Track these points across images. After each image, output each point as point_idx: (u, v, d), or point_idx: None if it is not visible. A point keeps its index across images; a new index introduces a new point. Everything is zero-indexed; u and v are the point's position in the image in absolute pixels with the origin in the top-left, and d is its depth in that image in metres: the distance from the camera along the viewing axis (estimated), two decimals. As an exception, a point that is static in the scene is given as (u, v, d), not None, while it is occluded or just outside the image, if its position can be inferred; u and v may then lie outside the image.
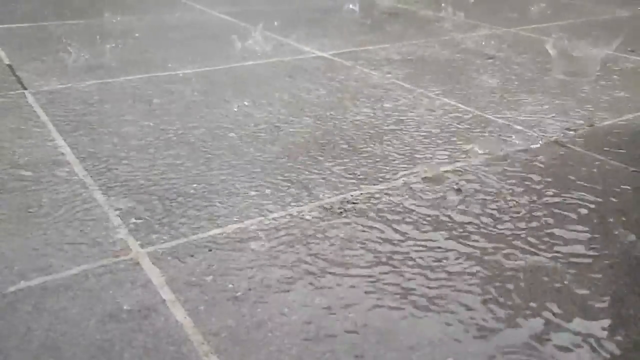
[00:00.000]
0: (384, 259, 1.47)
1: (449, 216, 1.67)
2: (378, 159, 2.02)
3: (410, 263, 1.46)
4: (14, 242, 1.51)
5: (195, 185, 1.83)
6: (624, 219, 1.68)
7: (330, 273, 1.42)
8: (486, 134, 2.27)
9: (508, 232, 1.60)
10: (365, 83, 2.85)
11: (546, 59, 3.30)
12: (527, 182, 1.88)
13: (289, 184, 1.84)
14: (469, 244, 1.54)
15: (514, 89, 2.82)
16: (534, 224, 1.64)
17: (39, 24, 3.94)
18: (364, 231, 1.59)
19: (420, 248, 1.53)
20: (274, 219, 1.65)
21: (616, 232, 1.61)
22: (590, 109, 2.56)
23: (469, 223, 1.64)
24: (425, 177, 1.90)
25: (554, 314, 1.29)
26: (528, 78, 2.98)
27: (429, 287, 1.37)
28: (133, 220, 1.63)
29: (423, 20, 4.38)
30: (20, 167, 1.91)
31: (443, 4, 4.61)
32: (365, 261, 1.46)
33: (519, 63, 3.26)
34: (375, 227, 1.61)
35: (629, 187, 1.86)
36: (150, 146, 2.10)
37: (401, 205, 1.73)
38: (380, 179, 1.88)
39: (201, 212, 1.68)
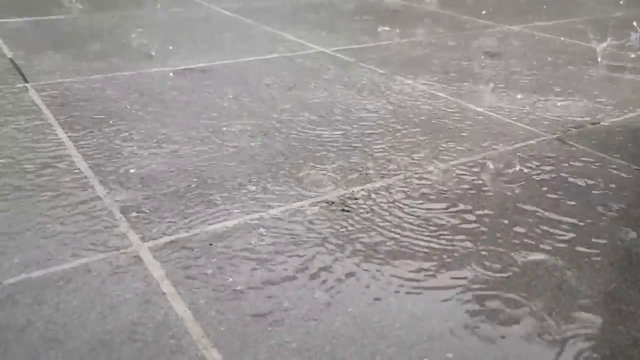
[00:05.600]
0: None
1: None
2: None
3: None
4: (14, 235, 1.52)
5: (196, 179, 1.83)
6: (625, 216, 1.68)
7: (330, 268, 1.42)
8: (486, 130, 2.26)
9: (510, 228, 1.60)
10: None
11: (547, 57, 3.28)
12: (527, 180, 1.88)
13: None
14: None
15: (516, 86, 2.81)
16: (536, 221, 1.64)
17: (41, 18, 3.93)
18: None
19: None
20: (274, 214, 1.65)
21: (617, 229, 1.61)
22: (594, 106, 2.55)
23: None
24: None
25: (554, 310, 1.29)
26: (531, 76, 2.98)
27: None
28: (134, 213, 1.63)
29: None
30: (21, 161, 1.91)
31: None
32: (364, 256, 1.47)
33: (521, 60, 3.24)
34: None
35: (630, 185, 1.86)
36: (152, 139, 2.10)
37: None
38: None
39: (202, 206, 1.68)
